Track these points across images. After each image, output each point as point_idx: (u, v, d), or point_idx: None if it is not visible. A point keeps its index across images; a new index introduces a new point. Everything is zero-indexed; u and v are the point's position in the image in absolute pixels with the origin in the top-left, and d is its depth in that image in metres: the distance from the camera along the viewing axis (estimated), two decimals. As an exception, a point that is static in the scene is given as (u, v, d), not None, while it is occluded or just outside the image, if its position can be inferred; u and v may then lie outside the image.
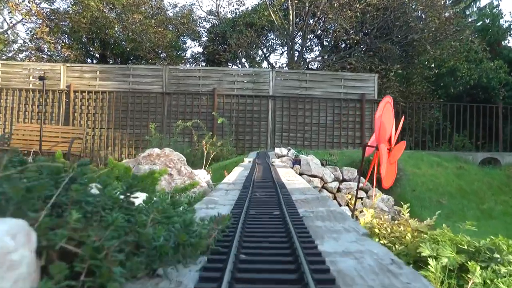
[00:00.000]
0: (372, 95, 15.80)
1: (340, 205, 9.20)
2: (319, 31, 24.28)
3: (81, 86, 15.68)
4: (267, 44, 25.16)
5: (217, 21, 24.13)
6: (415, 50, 20.64)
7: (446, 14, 20.51)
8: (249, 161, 6.42)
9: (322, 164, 9.57)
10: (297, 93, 15.72)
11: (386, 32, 20.13)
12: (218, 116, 14.61)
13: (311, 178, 8.98)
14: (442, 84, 21.89)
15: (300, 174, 9.08)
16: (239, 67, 23.10)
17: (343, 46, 23.54)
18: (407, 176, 10.86)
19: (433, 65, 22.26)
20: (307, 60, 24.07)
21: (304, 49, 23.40)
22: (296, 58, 21.88)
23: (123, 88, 15.69)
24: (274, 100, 15.62)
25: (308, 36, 23.36)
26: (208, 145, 14.82)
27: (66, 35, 24.30)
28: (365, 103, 15.65)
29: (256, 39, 22.21)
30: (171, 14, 25.09)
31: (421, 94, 20.66)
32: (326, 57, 21.68)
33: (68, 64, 16.20)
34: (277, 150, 9.49)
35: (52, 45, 22.00)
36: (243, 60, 24.04)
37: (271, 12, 21.22)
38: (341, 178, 9.37)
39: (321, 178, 9.12)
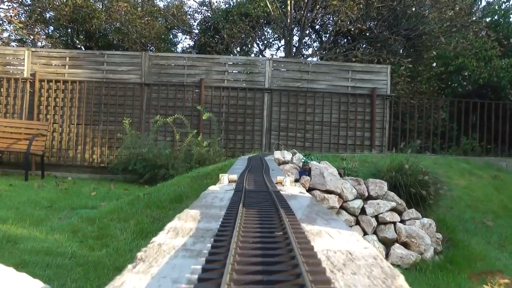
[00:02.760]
0: (384, 90, 12.70)
1: (366, 233, 6.08)
2: (318, 26, 21.25)
3: (48, 74, 12.51)
4: (263, 38, 21.97)
5: (210, 13, 20.96)
6: (424, 44, 17.63)
7: (457, 8, 17.51)
8: (231, 183, 3.11)
9: (340, 174, 6.44)
10: (297, 86, 12.60)
11: (393, 23, 17.06)
12: (204, 111, 11.51)
13: (326, 195, 5.86)
14: (449, 83, 18.90)
15: (310, 189, 5.95)
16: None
17: (344, 41, 20.49)
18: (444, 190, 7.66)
19: (435, 64, 19.18)
20: (305, 56, 20.97)
21: (301, 44, 20.23)
22: (293, 53, 18.69)
23: (96, 78, 12.54)
24: (271, 93, 12.49)
25: (306, 32, 20.19)
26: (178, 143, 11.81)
27: (52, 26, 21.25)
28: (376, 99, 12.54)
29: (250, 31, 19.04)
30: (161, 5, 21.91)
31: (428, 93, 17.58)
32: (326, 51, 18.45)
33: (33, 49, 13.03)
34: (277, 154, 6.35)
35: (23, 30, 18.72)
36: (237, 54, 20.84)
37: (268, 3, 18.07)
38: (366, 194, 6.24)
39: (339, 195, 5.99)
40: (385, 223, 6.17)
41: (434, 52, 18.17)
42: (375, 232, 6.14)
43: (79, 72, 12.55)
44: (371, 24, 18.03)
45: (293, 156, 6.35)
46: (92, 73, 12.57)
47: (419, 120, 13.67)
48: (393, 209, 6.26)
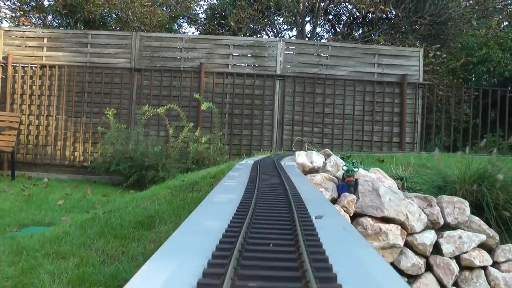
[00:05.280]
0: (416, 77, 10.14)
1: (443, 286, 3.55)
2: (331, 16, 18.65)
3: (23, 57, 10.02)
4: (273, 27, 19.30)
5: (216, 0, 18.35)
6: (449, 32, 15.08)
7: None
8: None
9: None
10: (314, 72, 10.04)
11: (416, 9, 14.49)
12: (204, 100, 9.01)
13: (382, 226, 3.34)
14: (473, 75, 16.33)
15: (357, 216, 3.42)
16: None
17: (359, 32, 17.85)
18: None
19: (446, 58, 16.49)
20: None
21: (314, 35, 17.57)
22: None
23: (78, 61, 10.03)
24: (283, 81, 9.94)
25: (319, 22, 17.56)
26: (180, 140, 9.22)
27: (50, 16, 18.82)
28: (406, 87, 9.98)
29: (260, 18, 16.44)
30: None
31: (452, 86, 14.98)
32: (343, 40, 15.78)
33: (6, 28, 10.54)
34: (301, 157, 3.77)
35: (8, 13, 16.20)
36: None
37: (278, -13, 15.55)
38: (441, 222, 3.70)
39: (402, 224, 3.46)
40: (472, 268, 3.65)
41: (452, 44, 15.68)
42: (455, 283, 3.62)
43: (59, 55, 10.06)
44: (392, 12, 15.51)
45: (326, 159, 3.81)
46: (74, 56, 10.06)
47: (454, 113, 11.09)
48: (481, 245, 3.74)
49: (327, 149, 4.15)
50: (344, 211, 3.26)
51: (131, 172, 8.45)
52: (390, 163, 5.82)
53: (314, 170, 3.70)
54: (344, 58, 10.09)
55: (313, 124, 9.89)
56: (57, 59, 10.04)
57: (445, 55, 14.85)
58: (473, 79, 15.37)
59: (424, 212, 3.64)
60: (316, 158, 3.74)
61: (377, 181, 3.44)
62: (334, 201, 3.39)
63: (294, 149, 7.48)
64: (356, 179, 3.42)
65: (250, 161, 3.82)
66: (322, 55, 10.13)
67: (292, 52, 10.14)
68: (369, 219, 3.34)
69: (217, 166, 5.59)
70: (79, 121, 9.95)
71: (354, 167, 3.40)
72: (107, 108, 9.06)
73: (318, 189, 3.26)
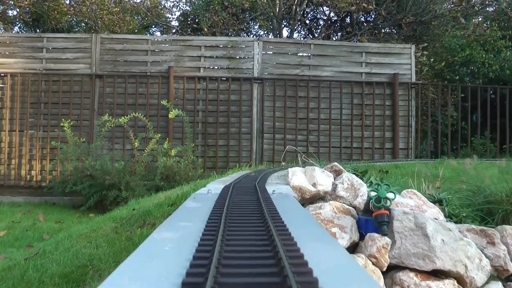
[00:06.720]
0: (408, 76, 8.91)
1: None
2: (308, 21, 17.44)
3: (-29, 66, 8.61)
4: (249, 34, 17.93)
5: (189, 6, 16.98)
6: (433, 33, 14.01)
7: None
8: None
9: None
10: (296, 73, 8.74)
11: (399, 9, 13.34)
12: (173, 107, 7.64)
13: (433, 285, 2.00)
14: (457, 77, 15.22)
15: (392, 268, 2.11)
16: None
17: (338, 35, 16.66)
18: None
19: (429, 59, 15.37)
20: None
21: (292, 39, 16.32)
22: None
23: (33, 69, 8.60)
24: (262, 84, 8.63)
25: (296, 27, 16.31)
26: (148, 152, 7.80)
27: (16, 27, 17.36)
28: (398, 88, 8.74)
29: (235, 23, 15.11)
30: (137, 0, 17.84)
31: (448, 85, 13.81)
32: (323, 38, 14.53)
33: (-50, 34, 9.10)
34: (297, 176, 2.41)
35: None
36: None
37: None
38: (510, 268, 2.39)
39: (459, 278, 2.13)
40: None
41: (437, 45, 14.61)
42: None
43: (10, 62, 8.61)
44: (372, 15, 14.41)
45: (337, 179, 2.47)
46: (27, 62, 8.63)
47: (449, 115, 9.90)
48: None
49: (335, 163, 2.81)
50: (373, 264, 1.95)
51: (90, 192, 7.05)
52: (397, 175, 4.56)
53: (319, 197, 2.38)
54: (328, 57, 8.83)
55: (296, 131, 8.58)
56: (9, 66, 8.61)
57: (425, 58, 13.75)
58: (458, 81, 14.31)
59: (485, 254, 2.33)
60: (321, 178, 2.41)
61: (420, 213, 2.13)
62: (354, 246, 2.08)
63: (283, 163, 6.17)
64: (387, 212, 2.10)
65: (216, 186, 2.32)
66: (304, 54, 8.86)
67: (270, 52, 8.84)
68: (412, 274, 2.02)
69: (179, 188, 4.21)
70: (35, 135, 8.50)
71: (388, 193, 2.07)
72: (63, 120, 7.65)
73: (330, 230, 1.93)
